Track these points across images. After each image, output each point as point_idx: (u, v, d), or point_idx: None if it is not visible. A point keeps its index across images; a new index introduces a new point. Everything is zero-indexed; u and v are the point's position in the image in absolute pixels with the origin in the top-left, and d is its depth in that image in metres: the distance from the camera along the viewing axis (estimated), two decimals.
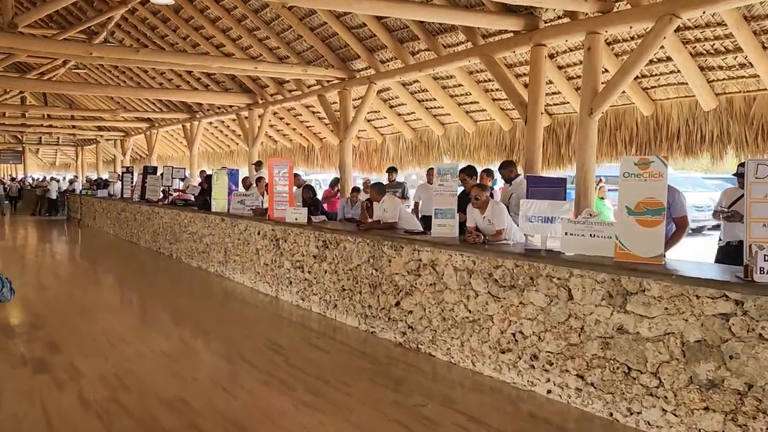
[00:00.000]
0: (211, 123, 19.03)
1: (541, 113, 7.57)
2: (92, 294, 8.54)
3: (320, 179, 25.91)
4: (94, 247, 14.57)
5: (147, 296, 8.71)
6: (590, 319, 4.18)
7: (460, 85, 10.03)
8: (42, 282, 9.35)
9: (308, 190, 8.66)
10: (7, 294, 3.90)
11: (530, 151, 7.56)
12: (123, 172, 16.29)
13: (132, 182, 16.36)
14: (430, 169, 9.73)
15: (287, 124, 15.58)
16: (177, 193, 13.23)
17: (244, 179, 11.26)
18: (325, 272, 7.20)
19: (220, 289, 9.15)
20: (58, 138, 32.16)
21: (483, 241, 5.24)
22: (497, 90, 9.60)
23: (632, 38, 7.41)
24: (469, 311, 5.17)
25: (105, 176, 26.76)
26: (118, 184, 18.22)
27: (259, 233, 8.78)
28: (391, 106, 11.93)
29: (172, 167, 12.97)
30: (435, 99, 10.73)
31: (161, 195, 13.99)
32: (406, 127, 12.16)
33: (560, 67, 8.42)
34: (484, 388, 4.84)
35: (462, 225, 5.93)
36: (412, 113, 11.63)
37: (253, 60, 11.14)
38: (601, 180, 9.43)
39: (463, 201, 6.07)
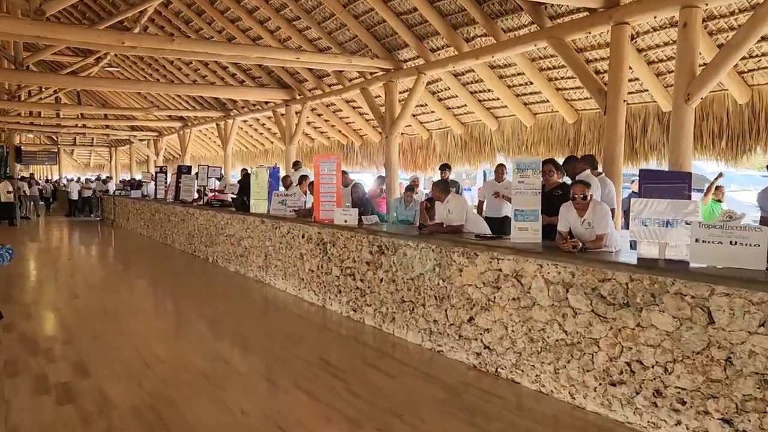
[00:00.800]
0: (245, 121, 18.47)
1: (624, 101, 6.68)
2: (124, 303, 7.91)
3: (359, 179, 25.25)
4: (127, 249, 14.07)
5: (182, 304, 8.05)
6: (741, 350, 3.31)
7: (519, 73, 9.17)
8: (73, 288, 8.77)
9: (357, 189, 7.90)
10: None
11: (611, 145, 6.69)
12: (156, 172, 15.79)
13: (166, 182, 15.84)
14: (500, 166, 8.86)
15: (326, 120, 14.87)
16: (213, 194, 12.61)
17: (284, 178, 10.56)
18: (381, 281, 6.42)
19: (260, 296, 8.45)
20: (92, 139, 32.12)
21: (581, 249, 4.39)
22: (563, 78, 8.72)
23: (732, 13, 6.48)
24: (566, 332, 4.33)
25: (138, 176, 26.51)
26: (152, 185, 17.76)
27: (303, 236, 8.05)
28: (440, 99, 11.11)
29: (208, 166, 12.36)
30: (490, 90, 9.88)
31: (196, 195, 13.41)
32: (455, 122, 11.33)
33: (640, 50, 7.50)
34: (588, 426, 4.00)
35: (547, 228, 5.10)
36: (463, 106, 10.80)
37: (295, 50, 10.42)
38: (720, 176, 8.35)
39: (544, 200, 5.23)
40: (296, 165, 12.10)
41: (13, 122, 23.68)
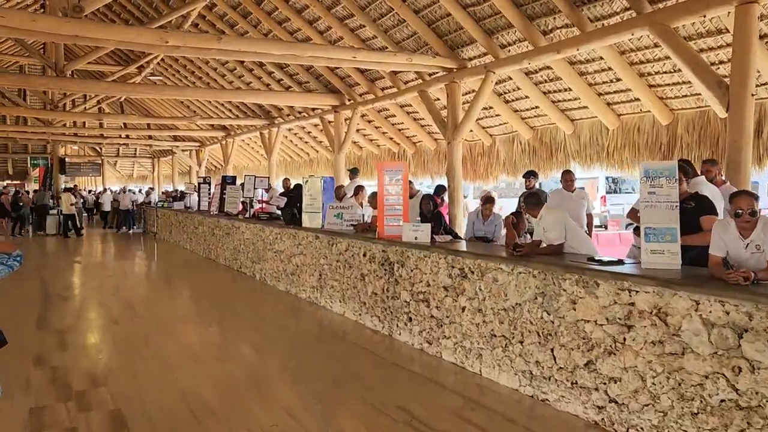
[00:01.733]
0: (290, 130, 17.78)
1: (752, 94, 5.59)
2: (167, 329, 7.13)
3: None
4: (169, 265, 13.42)
5: (231, 331, 7.21)
6: None
7: (604, 69, 8.13)
8: (113, 312, 8.04)
9: (428, 200, 6.97)
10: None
11: (736, 145, 5.62)
12: (200, 183, 15.18)
13: (209, 193, 15.20)
14: (567, 172, 7.87)
15: (377, 127, 14.00)
16: (260, 205, 11.86)
17: (337, 188, 9.70)
18: (464, 310, 5.46)
19: (314, 320, 7.57)
20: (135, 150, 32.09)
21: (753, 281, 3.36)
22: (658, 73, 7.64)
23: None
24: (738, 392, 3.29)
25: (180, 187, 26.15)
26: (195, 196, 17.18)
27: (365, 255, 7.14)
28: (507, 101, 10.11)
29: (255, 176, 11.61)
30: (567, 89, 8.85)
31: (240, 207, 12.69)
32: (523, 126, 10.31)
33: (762, 37, 6.39)
34: None
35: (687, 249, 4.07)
36: (534, 108, 9.78)
37: (352, 49, 9.58)
38: None
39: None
40: (353, 173, 11.23)
41: (58, 133, 23.61)
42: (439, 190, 9.85)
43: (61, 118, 18.69)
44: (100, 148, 31.21)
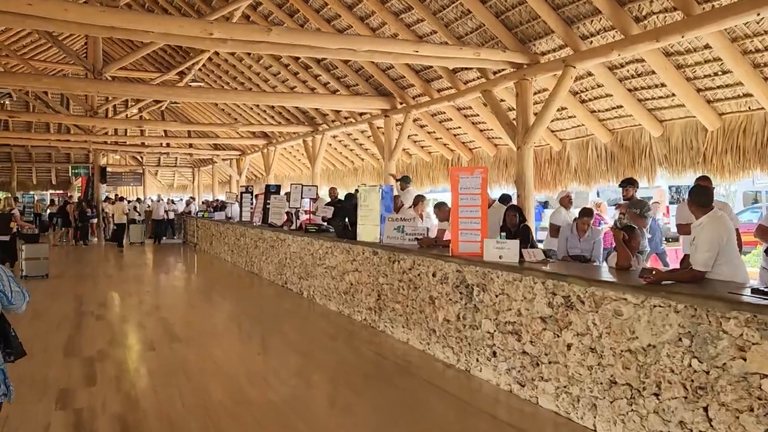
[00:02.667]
0: (334, 137, 16.96)
1: None
2: (208, 357, 6.27)
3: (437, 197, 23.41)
4: (210, 279, 12.67)
5: (277, 358, 6.31)
6: None
7: (711, 60, 7.01)
8: (148, 335, 7.25)
9: (514, 212, 5.98)
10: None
11: None
12: (241, 192, 14.45)
13: (251, 203, 14.46)
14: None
15: (430, 132, 13.05)
16: (307, 216, 11.02)
17: (394, 198, 8.77)
18: (570, 348, 4.44)
19: (372, 348, 6.63)
20: (176, 159, 31.86)
21: None
22: None
23: None
24: None
25: (220, 197, 25.64)
26: (236, 206, 16.52)
27: (434, 275, 6.18)
28: (583, 101, 9.05)
29: (302, 185, 10.78)
30: (660, 85, 7.76)
31: (285, 218, 11.87)
32: (600, 128, 9.21)
33: None
34: None
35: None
36: (616, 108, 8.69)
37: (413, 42, 8.66)
38: None
39: None
40: (405, 181, 10.29)
41: (100, 142, 23.35)
42: (504, 200, 8.84)
43: (102, 126, 18.29)
44: (141, 158, 31.04)
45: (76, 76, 17.21)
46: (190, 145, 24.00)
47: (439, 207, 7.00)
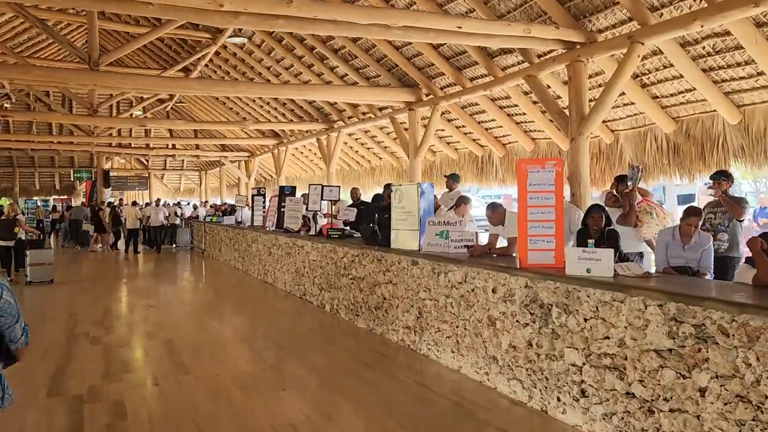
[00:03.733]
0: (351, 135, 15.89)
1: None
2: (222, 396, 5.19)
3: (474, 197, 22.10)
4: (220, 291, 11.60)
5: (308, 398, 5.22)
6: None
7: None
8: (151, 364, 6.18)
9: (599, 213, 4.85)
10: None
11: None
12: (253, 195, 13.39)
13: (264, 207, 13.41)
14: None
15: (459, 126, 11.94)
16: (327, 221, 9.94)
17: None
18: (704, 393, 3.33)
19: (414, 378, 5.52)
20: (183, 161, 30.92)
21: None
22: None
23: None
24: None
25: (229, 201, 24.62)
26: (247, 210, 15.49)
27: (495, 291, 5.08)
28: (644, 85, 7.92)
29: (321, 185, 9.69)
30: (746, 62, 6.63)
31: (301, 222, 10.80)
32: (663, 117, 8.08)
33: None
34: None
35: None
36: (685, 92, 7.57)
37: (457, 17, 7.55)
38: None
39: None
40: (454, 179, 9.20)
41: (103, 144, 22.39)
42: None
43: (104, 125, 17.26)
44: (147, 161, 30.10)
45: (70, 65, 16.13)
46: (197, 147, 22.99)
47: (494, 209, 5.89)
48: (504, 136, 11.20)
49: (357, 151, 17.10)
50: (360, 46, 11.15)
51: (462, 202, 7.27)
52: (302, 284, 9.85)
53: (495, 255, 5.80)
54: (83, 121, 15.37)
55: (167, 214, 17.64)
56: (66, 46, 9.24)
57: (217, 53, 15.22)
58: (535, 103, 9.52)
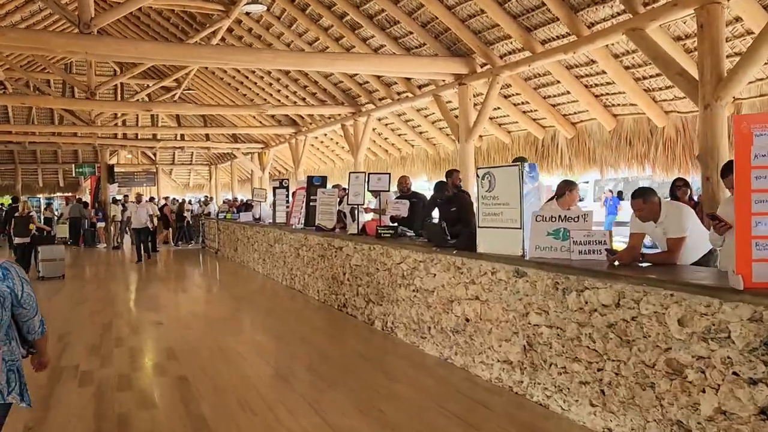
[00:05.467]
0: (380, 120, 14.12)
1: None
2: None
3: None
4: (239, 298, 9.88)
5: None
6: None
7: None
8: (158, 415, 4.46)
9: None
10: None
11: None
12: (275, 188, 11.66)
13: (286, 201, 11.68)
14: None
15: (519, 103, 10.13)
16: (371, 216, 8.22)
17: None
18: None
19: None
20: (192, 155, 29.27)
21: None
22: None
23: None
24: None
25: (242, 197, 22.97)
26: (266, 205, 13.78)
27: (683, 323, 3.30)
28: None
29: (366, 173, 7.93)
30: None
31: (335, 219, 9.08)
32: None
33: None
34: None
35: None
36: None
37: None
38: None
39: None
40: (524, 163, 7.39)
41: (108, 136, 20.75)
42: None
43: (105, 109, 15.52)
44: (154, 155, 28.45)
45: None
46: (207, 137, 21.29)
47: (645, 197, 4.09)
48: (575, 113, 9.40)
49: (386, 138, 15.33)
50: (403, 8, 9.38)
51: (567, 188, 5.50)
52: (341, 294, 8.11)
53: (648, 264, 4.04)
54: (81, 106, 13.69)
55: (151, 213, 14.93)
56: (50, 4, 7.50)
57: (230, 30, 13.48)
58: (627, 68, 7.72)
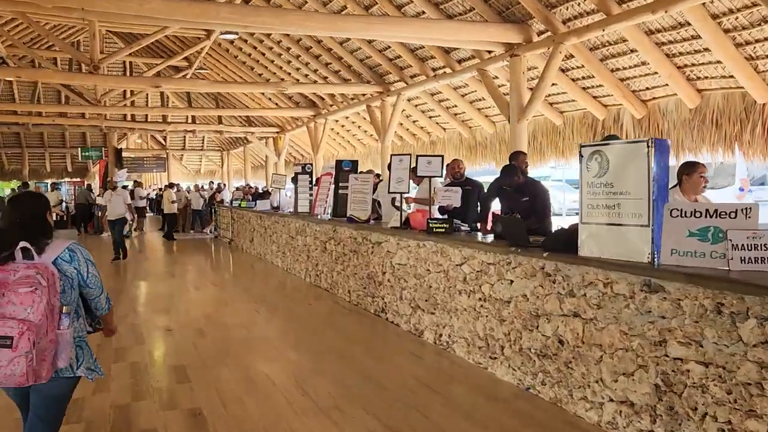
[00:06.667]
0: (409, 100, 12.88)
1: None
2: None
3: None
4: (261, 299, 8.75)
5: None
6: None
7: None
8: None
9: None
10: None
11: None
12: (297, 173, 10.48)
13: (309, 189, 10.51)
14: None
15: (578, 78, 8.87)
16: (415, 207, 7.02)
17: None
18: None
19: None
20: (203, 139, 28.17)
21: None
22: None
23: None
24: None
25: (253, 183, 21.86)
26: (287, 192, 12.64)
27: None
28: None
29: (415, 156, 6.69)
30: None
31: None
32: None
33: None
34: None
35: None
36: None
37: None
38: None
39: None
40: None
41: (117, 117, 19.69)
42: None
43: (110, 85, 14.35)
44: (164, 139, 27.40)
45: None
46: (220, 120, 20.13)
47: None
48: (648, 88, 8.12)
49: (415, 121, 14.08)
50: None
51: (684, 172, 4.27)
52: (379, 296, 6.94)
53: None
54: (83, 80, 12.53)
55: (129, 202, 12.53)
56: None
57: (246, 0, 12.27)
58: (728, 31, 6.44)
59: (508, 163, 6.06)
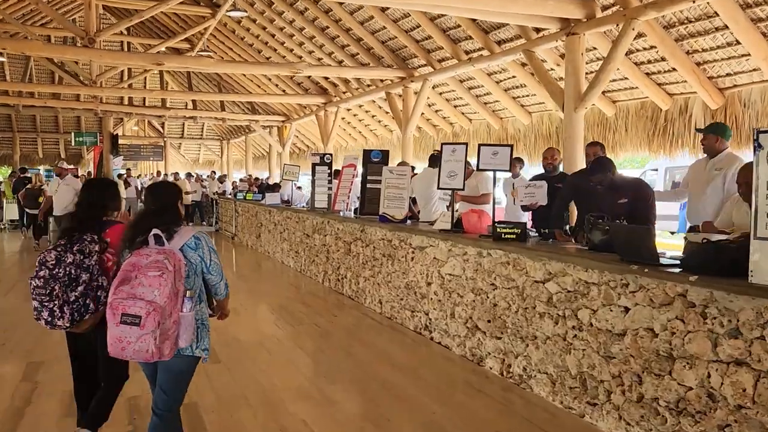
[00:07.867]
0: (434, 87, 11.75)
1: None
2: None
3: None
4: (274, 306, 7.66)
5: None
6: None
7: None
8: None
9: None
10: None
11: None
12: (315, 164, 9.36)
13: (328, 181, 9.39)
14: None
15: (642, 63, 7.77)
16: (459, 207, 5.93)
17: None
18: None
19: None
20: (203, 127, 26.96)
21: None
22: None
23: None
24: None
25: (255, 174, 20.74)
26: (297, 186, 11.53)
27: None
28: None
29: (477, 145, 5.60)
30: None
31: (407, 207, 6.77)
32: None
33: None
34: None
35: None
36: None
37: None
38: None
39: None
40: (724, 134, 5.08)
41: (113, 101, 18.52)
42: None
43: (105, 61, 13.14)
44: (162, 126, 26.19)
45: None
46: (222, 107, 18.97)
47: None
48: (729, 74, 7.04)
49: (439, 110, 12.97)
50: None
51: None
52: (422, 311, 5.86)
53: None
54: (76, 54, 11.41)
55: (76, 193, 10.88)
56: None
57: None
58: None
59: (601, 155, 4.95)
